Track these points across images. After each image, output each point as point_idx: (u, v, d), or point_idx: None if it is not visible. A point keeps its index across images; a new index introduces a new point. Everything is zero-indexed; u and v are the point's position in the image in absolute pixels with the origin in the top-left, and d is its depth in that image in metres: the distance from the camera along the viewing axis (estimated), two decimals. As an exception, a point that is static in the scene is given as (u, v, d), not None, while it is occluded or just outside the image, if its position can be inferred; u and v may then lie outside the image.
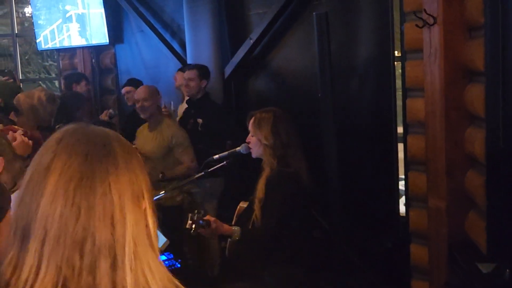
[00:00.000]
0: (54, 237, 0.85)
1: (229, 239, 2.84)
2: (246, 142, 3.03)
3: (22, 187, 0.91)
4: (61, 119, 4.54)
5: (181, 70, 5.11)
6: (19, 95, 3.74)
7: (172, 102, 5.34)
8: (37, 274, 0.84)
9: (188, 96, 4.80)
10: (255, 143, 2.96)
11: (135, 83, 5.34)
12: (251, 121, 2.99)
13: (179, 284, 0.94)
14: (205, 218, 2.74)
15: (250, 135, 3.00)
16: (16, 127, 3.09)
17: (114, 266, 0.86)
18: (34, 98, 3.60)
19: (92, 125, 0.98)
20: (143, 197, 0.93)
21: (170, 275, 0.94)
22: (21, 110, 3.56)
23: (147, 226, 0.93)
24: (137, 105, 4.40)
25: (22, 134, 2.80)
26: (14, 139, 2.64)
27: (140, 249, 0.89)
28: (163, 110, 4.80)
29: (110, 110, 5.69)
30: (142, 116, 4.41)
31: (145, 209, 0.93)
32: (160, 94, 4.53)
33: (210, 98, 4.77)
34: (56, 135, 0.94)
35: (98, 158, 0.89)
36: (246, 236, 2.82)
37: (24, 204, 0.88)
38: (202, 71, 4.69)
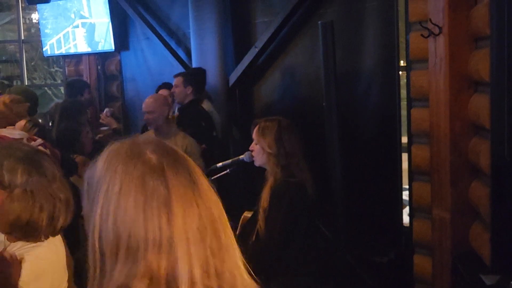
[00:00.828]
0: (194, 242, 0.96)
1: None
2: (249, 150, 3.03)
3: (116, 202, 0.95)
4: (65, 127, 4.56)
5: None
6: None
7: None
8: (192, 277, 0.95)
9: (177, 102, 4.87)
10: (258, 151, 2.94)
11: (169, 86, 5.29)
12: (255, 129, 2.97)
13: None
14: None
15: (253, 143, 2.98)
16: (35, 137, 3.06)
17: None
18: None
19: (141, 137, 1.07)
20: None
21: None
22: None
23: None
24: (144, 117, 4.38)
25: (41, 145, 2.79)
26: None
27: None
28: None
29: (106, 109, 5.67)
30: (148, 127, 4.38)
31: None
32: (170, 104, 4.39)
33: (195, 105, 4.72)
34: (143, 151, 1.01)
35: (193, 172, 1.02)
36: (249, 256, 2.77)
37: (145, 219, 0.94)
38: (188, 77, 4.71)
